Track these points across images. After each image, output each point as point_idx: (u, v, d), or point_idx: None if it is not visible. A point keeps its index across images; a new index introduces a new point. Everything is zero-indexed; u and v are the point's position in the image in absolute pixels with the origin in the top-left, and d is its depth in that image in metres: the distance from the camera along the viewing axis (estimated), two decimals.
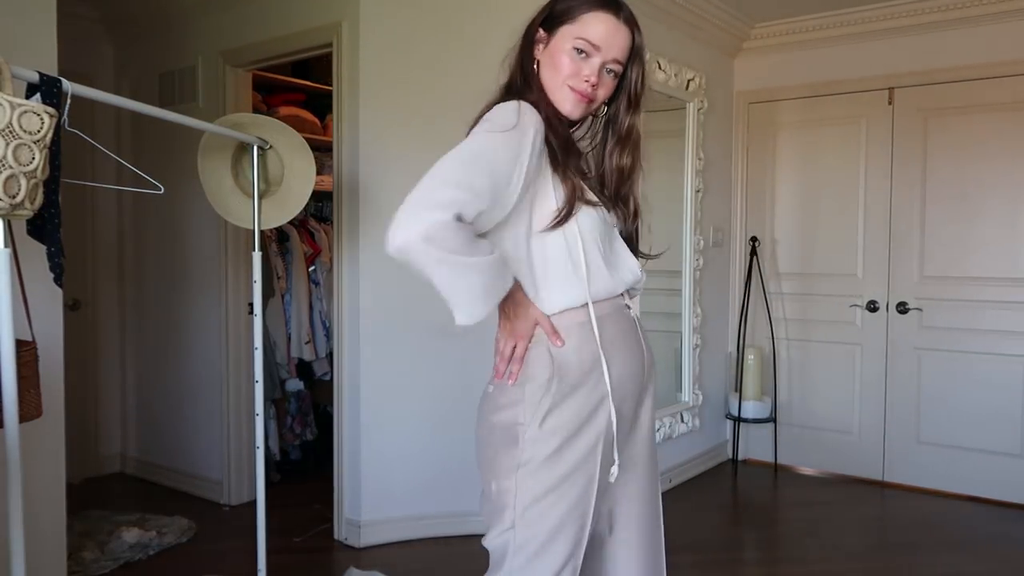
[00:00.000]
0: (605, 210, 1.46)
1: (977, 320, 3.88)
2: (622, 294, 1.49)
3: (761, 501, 4.05)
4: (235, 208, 2.57)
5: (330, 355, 4.08)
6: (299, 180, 2.51)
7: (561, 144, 1.40)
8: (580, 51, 1.37)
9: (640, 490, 1.50)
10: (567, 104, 1.40)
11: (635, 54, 1.42)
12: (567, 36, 1.39)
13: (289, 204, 2.53)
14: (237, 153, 2.54)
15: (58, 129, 1.63)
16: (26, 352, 1.70)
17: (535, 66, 1.44)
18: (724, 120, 4.46)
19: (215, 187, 2.55)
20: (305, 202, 2.57)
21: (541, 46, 1.44)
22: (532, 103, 1.38)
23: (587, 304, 1.40)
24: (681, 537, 3.42)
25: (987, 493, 3.86)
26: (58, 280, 1.71)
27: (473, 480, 3.41)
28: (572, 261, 1.40)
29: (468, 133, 1.42)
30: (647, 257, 1.61)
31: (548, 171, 1.39)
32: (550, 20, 1.43)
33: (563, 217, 1.37)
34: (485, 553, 1.47)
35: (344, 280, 3.24)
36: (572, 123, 1.46)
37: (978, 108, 3.85)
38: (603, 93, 1.41)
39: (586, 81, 1.37)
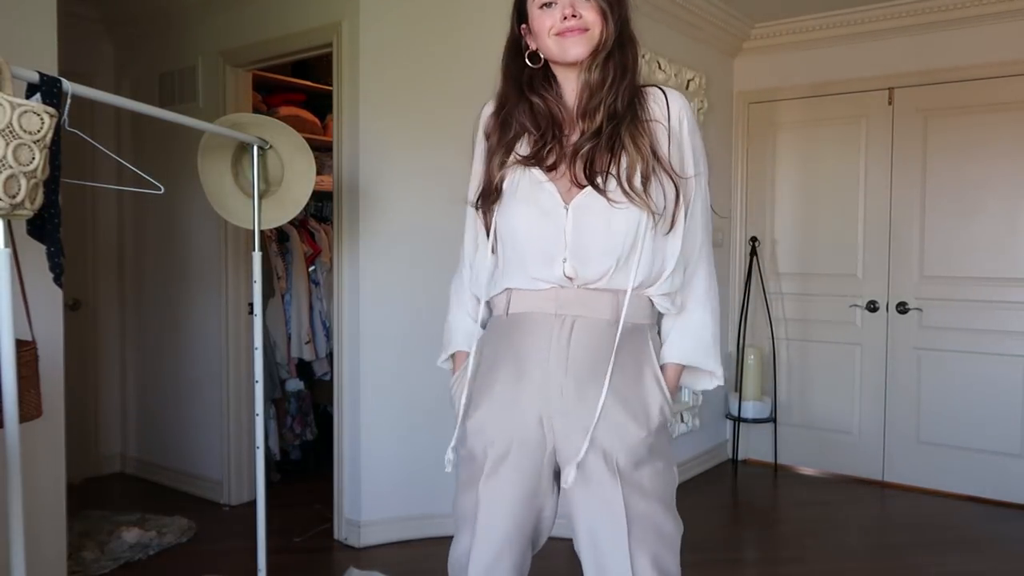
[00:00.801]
0: (558, 191, 1.37)
1: (977, 320, 3.87)
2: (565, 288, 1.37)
3: (761, 501, 4.05)
4: (235, 208, 2.57)
5: (330, 355, 4.08)
6: (299, 180, 2.51)
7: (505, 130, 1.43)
8: (544, 4, 1.36)
9: (583, 499, 1.37)
10: (565, 49, 1.35)
11: None
12: (532, 6, 1.38)
13: (289, 204, 2.53)
14: (237, 153, 2.54)
15: (58, 129, 1.63)
16: (26, 352, 1.70)
17: (538, 53, 1.40)
18: (724, 120, 4.46)
19: (215, 187, 2.55)
20: (305, 202, 2.57)
21: (528, 37, 1.41)
22: (540, 95, 1.41)
23: (481, 300, 1.55)
24: None
25: (987, 493, 3.86)
26: (58, 280, 1.71)
27: None
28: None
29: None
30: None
31: None
32: (519, 14, 1.42)
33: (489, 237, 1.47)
34: None
35: (344, 280, 3.24)
36: (608, 70, 1.36)
37: (978, 108, 3.85)
38: (592, 16, 1.33)
39: (564, 18, 1.33)
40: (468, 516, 1.43)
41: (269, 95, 4.28)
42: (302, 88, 4.36)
